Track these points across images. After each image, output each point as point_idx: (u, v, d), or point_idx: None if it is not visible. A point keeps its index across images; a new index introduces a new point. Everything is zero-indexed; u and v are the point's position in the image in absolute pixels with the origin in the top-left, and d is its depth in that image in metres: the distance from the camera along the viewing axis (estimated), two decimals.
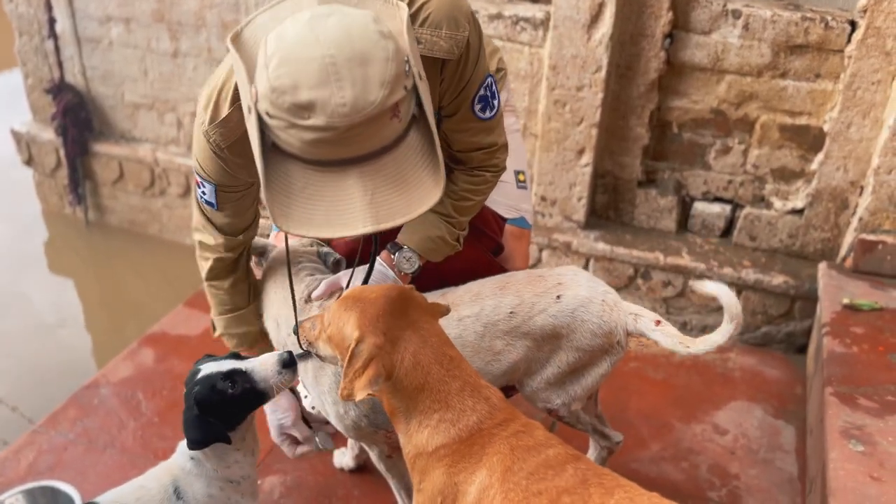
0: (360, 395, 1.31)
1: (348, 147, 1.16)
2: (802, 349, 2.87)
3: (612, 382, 2.65)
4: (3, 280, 3.78)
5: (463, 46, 1.44)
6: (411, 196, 1.22)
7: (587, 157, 2.87)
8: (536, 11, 2.79)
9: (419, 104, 1.23)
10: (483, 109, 1.55)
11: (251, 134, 1.21)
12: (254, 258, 1.86)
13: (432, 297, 1.71)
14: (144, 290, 3.78)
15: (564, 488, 1.25)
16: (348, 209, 1.20)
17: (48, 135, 3.90)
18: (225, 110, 1.40)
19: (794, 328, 2.86)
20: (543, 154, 2.92)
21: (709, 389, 2.65)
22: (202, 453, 1.61)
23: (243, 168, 1.49)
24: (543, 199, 3.00)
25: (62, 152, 3.87)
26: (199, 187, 1.56)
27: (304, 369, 1.76)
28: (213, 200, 1.55)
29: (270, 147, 1.22)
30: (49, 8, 3.61)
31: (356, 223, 1.20)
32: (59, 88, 3.78)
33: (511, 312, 1.68)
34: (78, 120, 3.79)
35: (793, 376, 2.74)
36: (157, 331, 2.85)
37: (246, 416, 1.61)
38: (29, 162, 4.11)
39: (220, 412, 1.55)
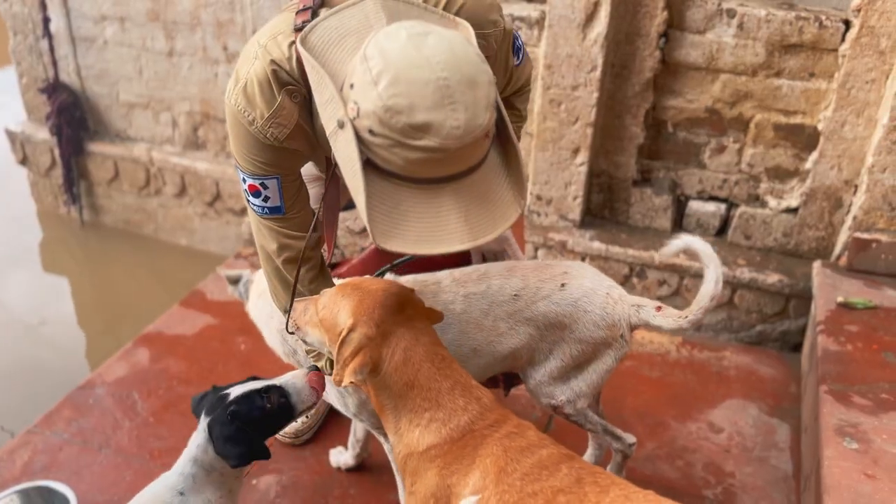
0: (346, 383, 1.34)
1: (448, 166, 1.19)
2: (797, 347, 2.88)
3: (608, 381, 2.65)
4: None
5: (499, 40, 1.51)
6: (495, 212, 1.26)
7: (582, 157, 2.87)
8: (531, 11, 2.79)
9: (499, 121, 1.27)
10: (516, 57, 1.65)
11: (345, 148, 1.20)
12: (229, 286, 1.85)
13: (440, 276, 1.76)
14: (139, 290, 3.77)
15: (559, 488, 1.26)
16: (443, 226, 1.23)
17: (43, 134, 3.89)
18: (275, 99, 1.38)
19: (789, 326, 2.87)
20: (539, 153, 2.92)
21: (704, 388, 2.66)
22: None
23: (300, 154, 1.48)
24: (539, 198, 3.00)
25: (57, 152, 3.86)
26: (258, 197, 1.49)
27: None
28: (280, 201, 1.49)
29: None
30: (43, 7, 3.60)
31: (453, 240, 1.23)
32: (54, 88, 3.77)
33: (515, 295, 1.71)
34: (73, 119, 3.78)
35: (787, 374, 2.75)
36: (153, 331, 2.84)
37: (275, 432, 1.64)
38: (23, 162, 4.10)
39: (259, 427, 1.58)
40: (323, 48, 1.26)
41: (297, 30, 1.37)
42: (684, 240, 1.73)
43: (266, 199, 1.49)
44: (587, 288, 1.72)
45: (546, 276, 1.74)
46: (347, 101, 1.19)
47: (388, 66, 1.13)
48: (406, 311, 1.41)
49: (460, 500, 1.34)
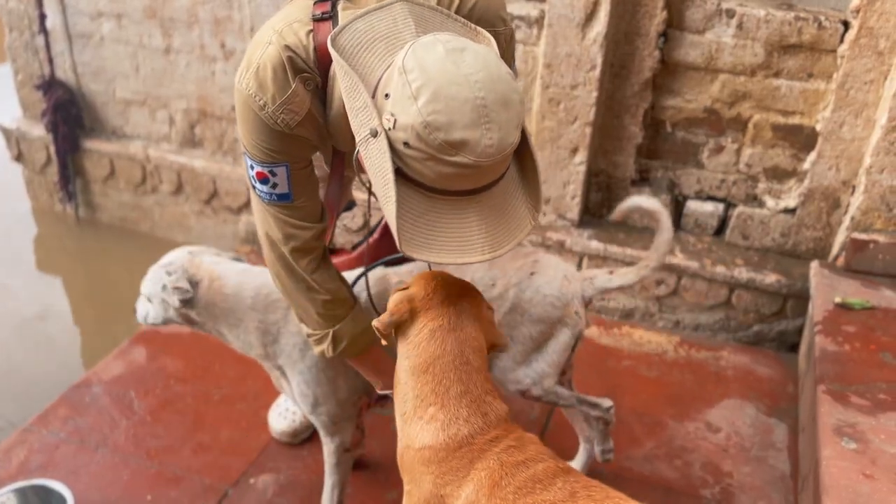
0: (382, 326, 1.36)
1: (476, 180, 1.22)
2: (794, 348, 2.88)
3: (605, 381, 2.66)
4: None
5: (507, 40, 1.53)
6: (511, 224, 1.30)
7: (581, 156, 2.87)
8: (531, 10, 2.78)
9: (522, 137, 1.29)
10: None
11: (377, 158, 1.21)
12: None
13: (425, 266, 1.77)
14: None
15: (553, 501, 1.25)
16: (466, 237, 1.26)
17: (38, 131, 3.86)
18: (289, 86, 1.37)
19: (787, 327, 2.87)
20: (537, 152, 2.91)
21: (701, 387, 2.66)
22: None
23: (310, 143, 1.48)
24: None
25: (52, 149, 3.84)
26: (266, 184, 1.47)
27: (284, 356, 1.78)
28: (288, 188, 1.48)
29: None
30: (40, 3, 3.58)
31: (475, 251, 1.26)
32: (50, 84, 3.74)
33: (493, 284, 1.79)
34: (69, 116, 3.76)
35: (785, 374, 2.75)
36: (149, 329, 2.83)
37: None
38: (18, 158, 4.08)
39: None
40: (353, 51, 1.27)
41: (317, 20, 1.37)
42: (632, 200, 1.86)
43: (274, 185, 1.48)
44: (550, 275, 1.81)
45: (518, 265, 1.82)
46: (383, 112, 1.20)
47: (428, 82, 1.15)
48: (462, 303, 1.39)
49: None
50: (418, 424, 1.36)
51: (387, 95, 1.20)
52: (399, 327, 1.38)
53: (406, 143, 1.18)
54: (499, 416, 1.37)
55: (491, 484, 1.30)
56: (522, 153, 1.32)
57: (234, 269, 1.80)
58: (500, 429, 1.36)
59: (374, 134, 1.21)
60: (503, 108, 1.18)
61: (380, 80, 1.25)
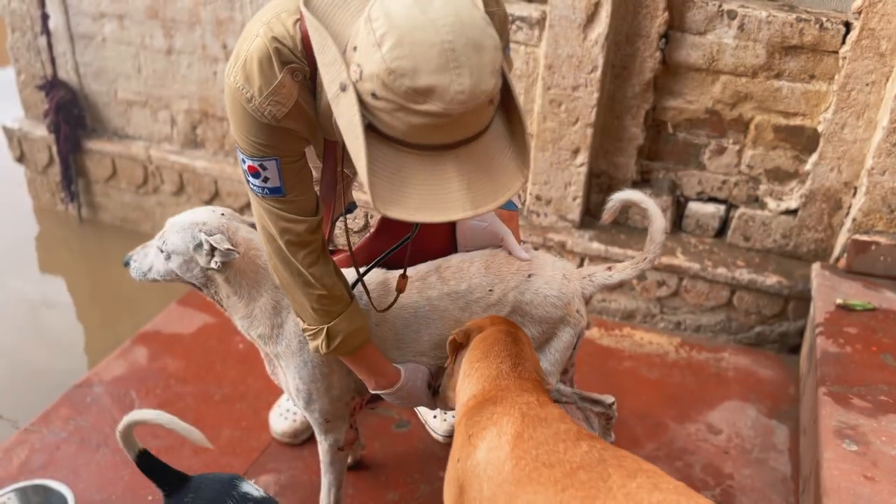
0: (457, 332, 1.58)
1: (451, 133, 1.17)
2: (796, 349, 2.88)
3: (606, 382, 2.66)
4: None
5: (501, 21, 1.49)
6: (497, 181, 1.23)
7: (582, 157, 2.87)
8: (532, 11, 2.78)
9: (505, 88, 1.24)
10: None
11: (347, 112, 1.18)
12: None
13: (426, 268, 1.80)
14: (137, 288, 3.74)
15: (580, 464, 1.23)
16: (445, 194, 1.20)
17: (40, 132, 3.87)
18: (275, 77, 1.35)
19: (788, 328, 2.87)
20: (538, 153, 2.92)
21: (702, 389, 2.66)
22: None
23: (299, 135, 1.46)
24: (538, 198, 3.00)
25: (55, 149, 3.85)
26: (258, 178, 1.47)
27: (285, 344, 1.77)
28: (280, 182, 1.46)
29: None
30: (42, 4, 3.58)
31: (455, 209, 1.20)
32: (52, 85, 3.75)
33: (490, 290, 1.77)
34: (71, 117, 3.77)
35: (786, 376, 2.75)
36: (150, 329, 2.83)
37: None
38: (21, 159, 4.08)
39: None
40: (326, 10, 1.24)
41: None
42: (615, 197, 1.88)
43: (266, 179, 1.47)
44: (549, 275, 1.80)
45: (515, 268, 1.80)
46: (350, 64, 1.17)
47: (392, 28, 1.11)
48: (517, 328, 1.62)
49: (477, 452, 1.36)
50: (468, 382, 1.50)
51: (355, 48, 1.17)
52: (468, 336, 1.57)
53: (374, 94, 1.14)
54: (536, 387, 1.46)
55: (514, 433, 1.32)
56: (509, 108, 1.27)
57: None
58: (529, 383, 1.45)
59: (343, 88, 1.18)
60: (474, 53, 1.12)
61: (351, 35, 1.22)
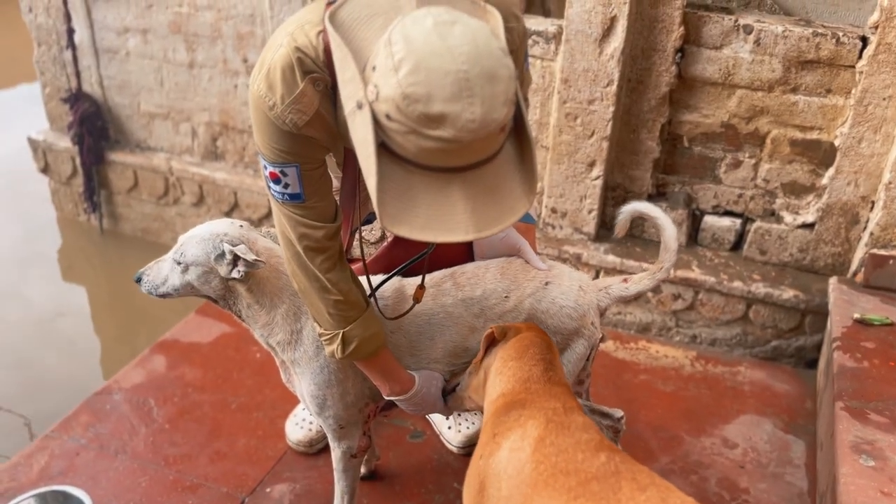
0: (495, 327, 1.61)
1: (461, 157, 1.19)
2: (813, 364, 2.86)
3: (621, 394, 2.66)
4: (16, 287, 3.82)
5: (521, 36, 1.52)
6: (502, 205, 1.26)
7: (598, 170, 2.88)
8: (549, 25, 2.81)
9: (517, 115, 1.27)
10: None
11: (361, 130, 1.21)
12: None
13: (441, 275, 1.82)
14: (154, 299, 3.80)
15: (594, 475, 1.25)
16: (450, 216, 1.23)
17: (64, 143, 3.95)
18: (297, 86, 1.38)
19: (805, 342, 2.85)
20: (554, 166, 2.94)
21: (718, 403, 2.65)
22: None
23: (319, 144, 1.49)
24: (554, 210, 3.01)
25: (78, 160, 3.92)
26: (279, 184, 1.49)
27: (302, 350, 1.79)
28: (300, 188, 1.49)
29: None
30: (68, 19, 3.67)
31: (458, 231, 1.23)
32: (77, 98, 3.83)
33: (506, 296, 1.78)
34: (94, 129, 3.84)
35: (803, 391, 2.73)
36: (169, 338, 2.87)
37: None
38: (45, 170, 4.16)
39: None
40: (351, 25, 1.26)
41: (329, 2, 1.37)
42: (625, 210, 1.89)
43: (286, 185, 1.50)
44: (566, 286, 1.80)
45: (532, 275, 1.81)
46: (368, 83, 1.19)
47: (410, 54, 1.14)
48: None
49: (500, 451, 1.39)
50: (499, 379, 1.53)
51: (374, 68, 1.19)
52: (505, 333, 1.60)
53: (388, 116, 1.16)
54: (566, 393, 1.48)
55: (537, 437, 1.35)
56: (521, 133, 1.29)
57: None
58: (558, 389, 1.47)
59: (360, 106, 1.20)
60: (488, 83, 1.14)
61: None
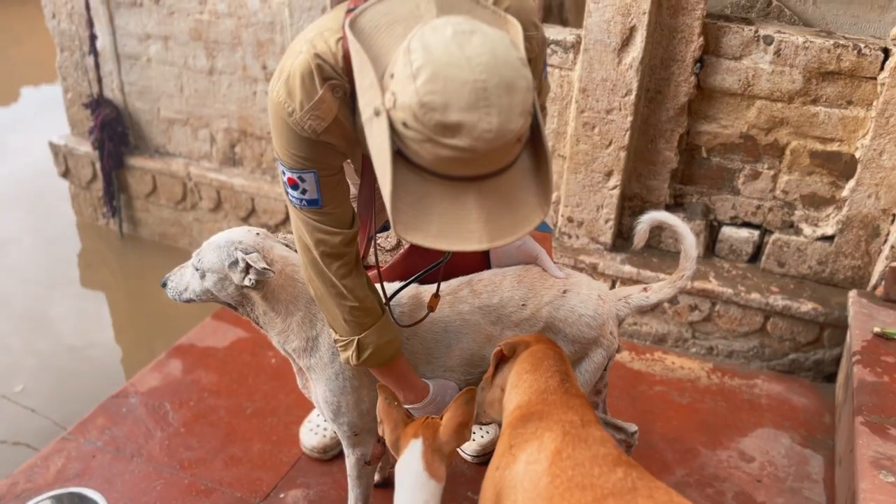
0: (503, 344, 1.61)
1: (476, 166, 1.19)
2: (831, 377, 2.83)
3: (637, 405, 2.64)
4: (35, 290, 3.86)
5: (540, 45, 1.52)
6: (517, 215, 1.26)
7: (615, 180, 2.87)
8: (567, 35, 2.81)
9: (534, 126, 1.27)
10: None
11: (378, 137, 1.21)
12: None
13: (458, 282, 1.82)
14: (173, 303, 3.82)
15: (611, 490, 1.24)
16: (464, 224, 1.23)
17: (85, 148, 3.99)
18: (316, 92, 1.39)
19: (823, 356, 2.82)
20: (571, 176, 2.93)
21: (734, 415, 2.62)
22: None
23: (337, 150, 1.49)
24: (570, 220, 3.01)
25: (98, 165, 3.96)
26: (296, 190, 1.51)
27: (318, 356, 1.79)
28: (317, 194, 1.51)
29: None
30: (91, 25, 3.71)
31: (472, 239, 1.23)
32: (98, 103, 3.87)
33: (523, 304, 1.77)
34: (114, 134, 3.88)
35: (821, 405, 2.70)
36: (185, 342, 2.89)
37: None
38: (65, 174, 4.21)
39: None
40: (371, 33, 1.26)
41: (349, 11, 1.38)
42: (642, 221, 1.88)
43: (304, 191, 1.51)
44: (584, 294, 1.80)
45: (549, 283, 1.80)
46: (386, 91, 1.20)
47: (428, 62, 1.14)
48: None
49: (516, 463, 1.39)
50: (515, 392, 1.52)
51: (392, 75, 1.19)
52: (514, 350, 1.60)
53: (405, 124, 1.16)
54: (583, 405, 1.48)
55: (554, 450, 1.34)
56: (537, 144, 1.29)
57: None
58: (575, 401, 1.47)
59: (377, 113, 1.20)
60: (506, 93, 1.14)
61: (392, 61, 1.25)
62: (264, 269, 1.67)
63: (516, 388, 1.55)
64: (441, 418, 1.54)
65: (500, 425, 1.74)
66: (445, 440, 1.51)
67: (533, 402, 1.49)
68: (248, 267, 1.69)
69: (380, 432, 1.63)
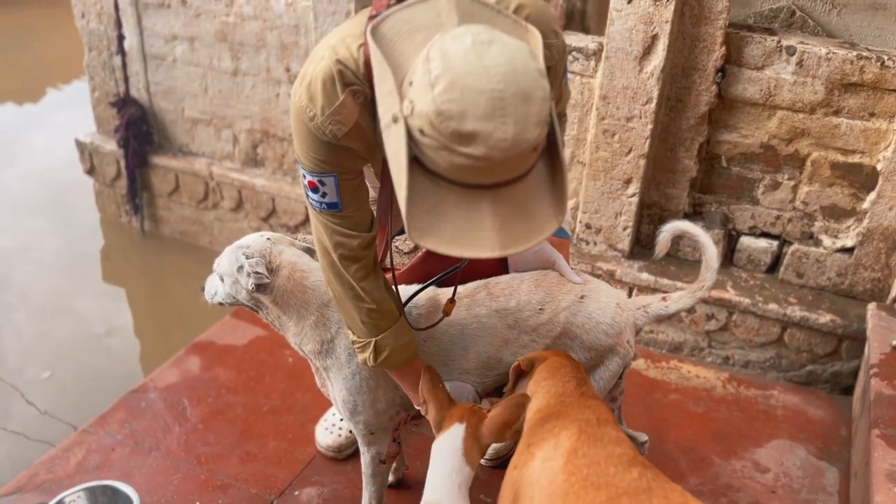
0: (522, 359, 1.65)
1: (491, 175, 1.21)
2: (848, 390, 2.81)
3: (651, 413, 2.64)
4: (58, 285, 3.92)
5: (560, 52, 1.53)
6: (531, 224, 1.27)
7: (634, 187, 2.88)
8: (589, 42, 2.82)
9: (550, 136, 1.28)
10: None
11: (395, 143, 1.23)
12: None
13: (475, 285, 1.82)
14: (192, 300, 3.88)
15: (626, 490, 1.25)
16: (478, 232, 1.24)
17: (110, 146, 4.05)
18: (337, 97, 1.41)
19: (841, 368, 2.81)
20: (590, 182, 2.94)
21: (749, 426, 2.61)
22: None
23: (357, 154, 1.51)
24: (588, 226, 3.01)
25: (122, 163, 4.02)
26: (317, 193, 1.53)
27: (334, 357, 1.82)
28: (337, 198, 1.53)
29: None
30: (119, 25, 3.77)
31: (485, 247, 1.24)
32: (124, 102, 3.93)
33: (541, 309, 1.78)
34: (139, 133, 3.94)
35: (838, 417, 2.69)
36: (204, 339, 2.92)
37: None
38: (90, 171, 4.27)
39: None
40: (392, 40, 1.28)
41: (371, 17, 1.40)
42: (665, 230, 1.89)
43: (324, 194, 1.53)
44: (602, 302, 1.80)
45: (567, 288, 1.81)
46: (405, 98, 1.21)
47: (446, 71, 1.15)
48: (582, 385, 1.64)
49: (533, 461, 1.41)
50: (534, 400, 1.54)
51: (411, 83, 1.21)
52: (532, 364, 1.63)
53: (421, 131, 1.18)
54: (599, 405, 1.50)
55: (570, 449, 1.35)
56: (553, 154, 1.30)
57: (315, 264, 1.85)
58: (592, 401, 1.49)
59: (395, 120, 1.22)
60: (522, 103, 1.15)
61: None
62: (258, 273, 1.72)
63: (535, 394, 1.57)
64: (488, 411, 1.57)
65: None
66: (486, 433, 1.54)
67: (551, 404, 1.51)
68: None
69: (422, 412, 1.65)
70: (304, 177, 1.54)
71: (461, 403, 1.62)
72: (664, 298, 1.85)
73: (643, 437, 2.00)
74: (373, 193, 1.77)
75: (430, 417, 1.60)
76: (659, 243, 1.90)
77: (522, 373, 1.64)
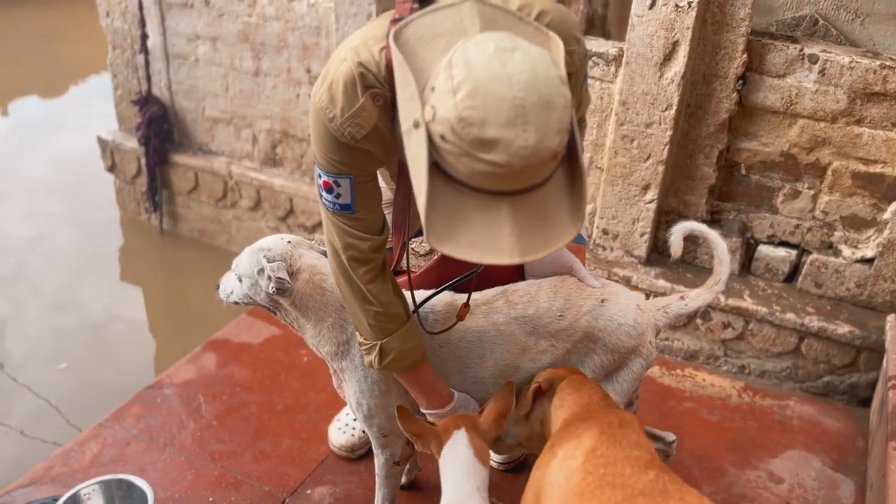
0: (541, 377, 1.67)
1: (511, 182, 1.21)
2: (866, 402, 2.78)
3: (666, 422, 2.63)
4: (76, 280, 3.96)
5: (581, 58, 1.54)
6: (549, 231, 1.27)
7: (652, 194, 2.87)
8: (610, 48, 2.82)
9: (570, 143, 1.28)
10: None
11: (416, 148, 1.24)
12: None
13: (493, 292, 1.82)
14: (209, 298, 3.90)
15: (641, 491, 1.25)
16: (497, 238, 1.24)
17: (131, 144, 4.09)
18: (357, 100, 1.42)
19: (859, 380, 2.78)
20: (608, 188, 2.93)
21: (764, 436, 2.59)
22: None
23: (374, 157, 1.52)
24: (605, 232, 3.01)
25: (143, 161, 4.06)
26: (331, 194, 1.55)
27: (349, 359, 1.82)
28: (350, 199, 1.54)
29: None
30: (142, 24, 3.81)
31: (503, 253, 1.25)
32: (146, 100, 3.97)
33: (560, 315, 1.77)
34: (160, 131, 3.98)
35: (854, 429, 2.66)
36: (220, 337, 2.94)
37: None
38: (111, 169, 4.32)
39: None
40: (414, 45, 1.28)
41: (394, 21, 1.40)
42: (675, 231, 1.89)
43: (338, 195, 1.54)
44: (623, 304, 1.80)
45: (587, 293, 1.80)
46: (426, 103, 1.22)
47: (469, 77, 1.16)
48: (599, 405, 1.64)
49: (554, 460, 1.42)
50: (559, 413, 1.57)
51: (433, 89, 1.21)
52: (552, 384, 1.65)
53: (443, 137, 1.18)
54: (623, 412, 1.51)
55: (590, 448, 1.37)
56: (573, 161, 1.30)
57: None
58: (616, 415, 1.49)
59: (416, 125, 1.22)
60: (544, 111, 1.16)
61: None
62: (280, 279, 1.72)
63: (560, 408, 1.58)
64: (480, 413, 1.58)
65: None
66: (486, 429, 1.56)
67: (577, 413, 1.53)
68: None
69: (418, 448, 1.66)
70: (320, 177, 1.55)
71: (447, 418, 1.63)
72: (682, 297, 1.86)
73: (671, 436, 2.00)
74: (388, 195, 1.78)
75: (428, 447, 1.62)
76: (672, 245, 1.91)
77: (541, 393, 1.65)
